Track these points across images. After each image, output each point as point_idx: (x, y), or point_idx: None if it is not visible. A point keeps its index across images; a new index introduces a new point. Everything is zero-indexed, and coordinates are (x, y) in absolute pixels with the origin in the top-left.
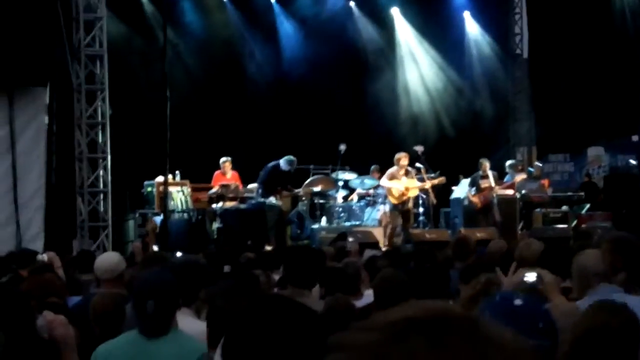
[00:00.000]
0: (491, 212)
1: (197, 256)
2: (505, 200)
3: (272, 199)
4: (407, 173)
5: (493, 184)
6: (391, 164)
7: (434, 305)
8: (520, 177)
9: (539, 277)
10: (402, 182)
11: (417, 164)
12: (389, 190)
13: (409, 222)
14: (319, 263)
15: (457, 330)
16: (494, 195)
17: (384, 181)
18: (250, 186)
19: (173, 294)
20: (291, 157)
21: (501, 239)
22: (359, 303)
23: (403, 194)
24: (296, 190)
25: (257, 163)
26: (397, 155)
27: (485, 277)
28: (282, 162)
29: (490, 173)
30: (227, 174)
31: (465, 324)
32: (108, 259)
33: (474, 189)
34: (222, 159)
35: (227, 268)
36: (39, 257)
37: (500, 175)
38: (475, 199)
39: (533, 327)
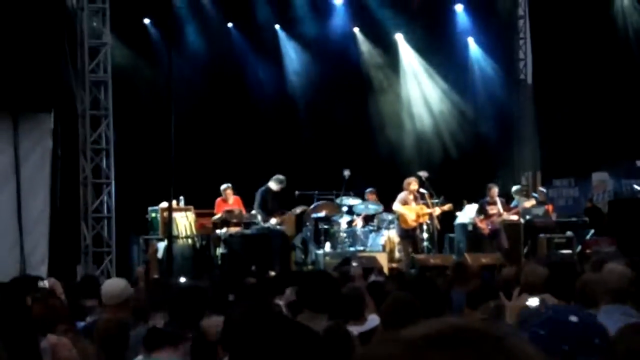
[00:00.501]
0: (498, 238)
1: (200, 282)
2: (509, 226)
3: (273, 222)
4: (415, 198)
5: (501, 210)
6: (394, 189)
7: (457, 321)
8: (529, 203)
9: (542, 301)
10: (414, 209)
11: (421, 189)
12: (402, 216)
13: (417, 249)
14: (334, 288)
15: (480, 345)
16: (502, 221)
17: (397, 206)
18: (254, 212)
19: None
20: (279, 176)
21: (507, 264)
22: (363, 328)
23: (416, 220)
24: (290, 212)
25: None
26: (407, 180)
27: (494, 303)
28: (272, 184)
29: (498, 199)
30: (228, 200)
31: (490, 339)
32: (114, 285)
33: (481, 214)
34: (223, 186)
35: (231, 297)
36: (40, 283)
37: (506, 201)
38: (482, 225)
39: (588, 344)
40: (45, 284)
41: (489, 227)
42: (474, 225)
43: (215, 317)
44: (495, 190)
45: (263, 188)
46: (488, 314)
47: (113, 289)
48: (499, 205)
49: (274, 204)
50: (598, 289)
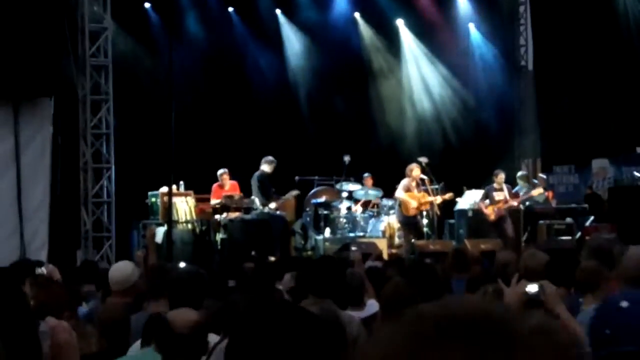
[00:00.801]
0: (504, 225)
1: (199, 267)
2: (509, 212)
3: (272, 207)
4: (417, 185)
5: (507, 197)
6: (395, 175)
7: (470, 304)
8: (537, 191)
9: (541, 288)
10: (416, 196)
11: (422, 175)
12: (404, 203)
13: (421, 235)
14: (340, 273)
15: (495, 338)
16: (508, 207)
17: (400, 193)
18: (253, 197)
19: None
20: (269, 157)
21: (506, 249)
22: (363, 314)
23: (417, 208)
24: (284, 197)
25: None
26: (409, 167)
27: (492, 287)
28: (265, 167)
29: (504, 186)
30: (225, 185)
31: (504, 329)
32: (121, 270)
33: (487, 200)
34: (220, 171)
35: (232, 283)
36: (38, 270)
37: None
38: (488, 211)
39: (633, 331)
40: (43, 270)
41: (496, 212)
42: (479, 210)
43: (186, 309)
44: (502, 176)
45: (259, 173)
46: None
47: (121, 273)
48: (506, 192)
49: (271, 188)
50: (604, 275)
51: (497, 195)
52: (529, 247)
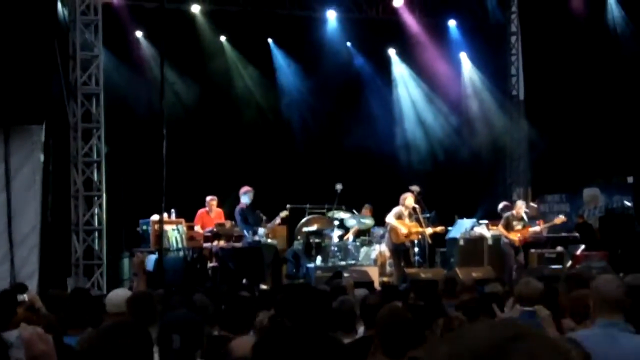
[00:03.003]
0: (520, 253)
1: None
2: (498, 240)
3: (262, 232)
4: (410, 214)
5: (527, 224)
6: (387, 203)
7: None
8: (559, 219)
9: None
10: (407, 224)
11: (414, 205)
12: (394, 230)
13: (410, 263)
14: (323, 304)
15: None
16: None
17: (391, 219)
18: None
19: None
20: (246, 188)
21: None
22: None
23: (407, 236)
24: (273, 221)
25: (253, 202)
26: (403, 196)
27: (443, 319)
28: (244, 198)
29: (524, 214)
30: (211, 212)
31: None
32: (119, 294)
33: (507, 229)
34: (209, 198)
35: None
36: (20, 297)
37: (495, 216)
38: (513, 237)
39: None
40: (25, 297)
41: (521, 240)
42: (472, 239)
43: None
44: (523, 206)
45: (239, 206)
46: None
47: (117, 298)
48: (526, 221)
49: (254, 216)
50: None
51: (517, 225)
52: (524, 273)
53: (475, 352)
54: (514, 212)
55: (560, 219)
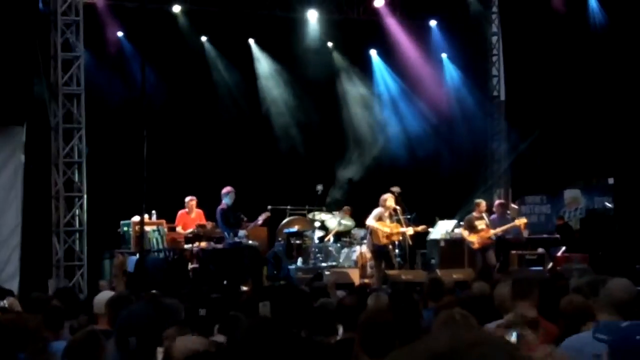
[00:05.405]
0: (487, 254)
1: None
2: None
3: (242, 234)
4: (390, 216)
5: (489, 225)
6: (367, 205)
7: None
8: (520, 221)
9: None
10: (388, 225)
11: (395, 206)
12: (375, 232)
13: (391, 265)
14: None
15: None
16: (492, 237)
17: (371, 221)
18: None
19: (155, 330)
20: (228, 188)
21: (479, 280)
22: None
23: (388, 237)
24: (254, 222)
25: (234, 203)
26: (383, 197)
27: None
28: (226, 199)
29: (484, 215)
30: (191, 213)
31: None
32: (107, 296)
33: (469, 229)
34: (187, 198)
35: (202, 311)
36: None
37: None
38: (472, 239)
39: None
40: (4, 303)
41: (480, 241)
42: (454, 240)
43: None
44: (483, 205)
45: (220, 207)
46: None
47: (105, 298)
48: (486, 220)
49: (235, 217)
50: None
51: (479, 224)
52: (503, 278)
53: (433, 353)
54: (475, 212)
55: (521, 220)
